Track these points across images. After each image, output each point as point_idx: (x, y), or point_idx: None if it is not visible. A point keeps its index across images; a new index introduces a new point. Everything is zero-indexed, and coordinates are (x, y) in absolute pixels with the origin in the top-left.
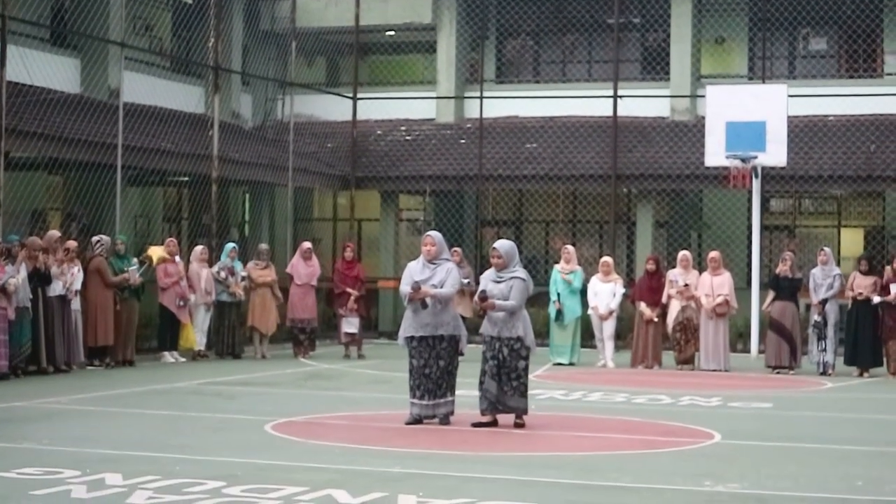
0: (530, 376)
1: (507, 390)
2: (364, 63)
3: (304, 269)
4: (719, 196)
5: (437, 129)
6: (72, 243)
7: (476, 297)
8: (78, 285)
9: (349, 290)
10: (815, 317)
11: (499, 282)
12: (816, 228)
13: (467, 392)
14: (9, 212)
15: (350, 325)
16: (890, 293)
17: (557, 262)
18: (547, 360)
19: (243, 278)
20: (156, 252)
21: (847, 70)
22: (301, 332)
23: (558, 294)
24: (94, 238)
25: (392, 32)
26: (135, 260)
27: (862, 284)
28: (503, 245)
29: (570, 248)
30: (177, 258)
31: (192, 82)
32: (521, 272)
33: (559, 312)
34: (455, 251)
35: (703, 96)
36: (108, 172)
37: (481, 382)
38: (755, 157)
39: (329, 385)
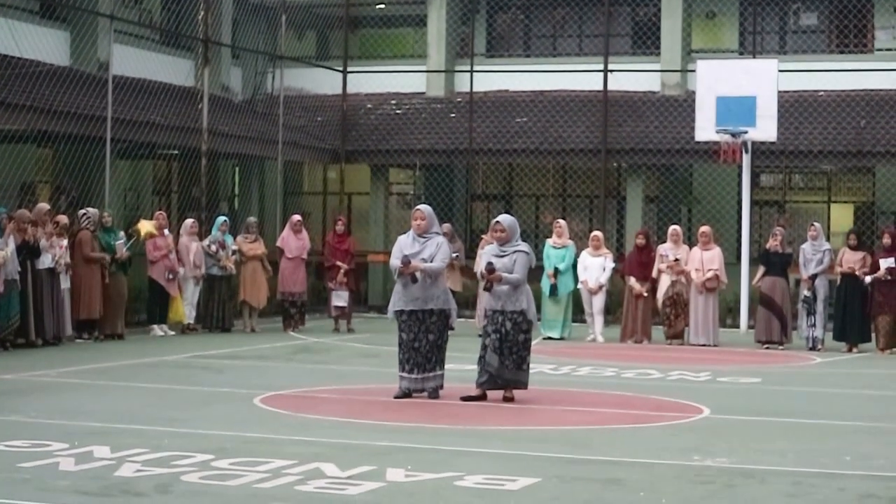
0: None
1: (507, 364)
2: (354, 36)
3: (295, 242)
4: (709, 171)
5: (427, 102)
6: (62, 218)
7: (483, 270)
8: (67, 259)
9: (339, 263)
10: (805, 292)
11: (502, 256)
12: (806, 204)
13: (457, 366)
14: None
15: (339, 298)
16: (879, 270)
17: (548, 237)
18: (537, 334)
19: (234, 252)
20: (144, 226)
21: (837, 45)
22: (291, 305)
23: (556, 269)
24: (81, 211)
25: (382, 5)
26: (122, 233)
27: (851, 259)
28: (506, 219)
29: (561, 222)
30: (166, 231)
31: (182, 55)
32: (523, 246)
33: (553, 287)
34: (445, 226)
35: (693, 71)
36: (98, 145)
37: (482, 357)
38: (745, 132)
39: (318, 359)
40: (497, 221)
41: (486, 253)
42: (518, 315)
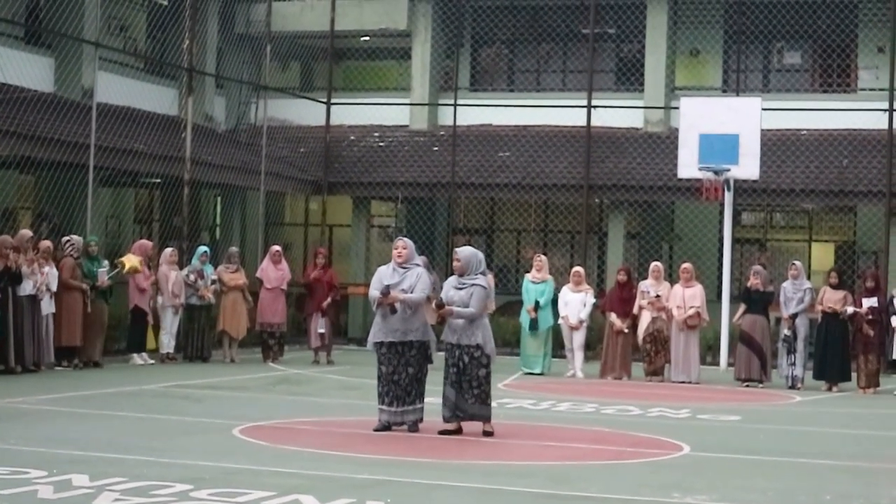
0: (500, 385)
1: (467, 398)
2: (338, 68)
3: (274, 272)
4: (691, 208)
5: (410, 135)
6: (46, 243)
7: (433, 305)
8: (53, 285)
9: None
10: (785, 331)
11: (460, 288)
12: (787, 242)
13: (436, 399)
14: None
15: (321, 325)
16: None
17: (528, 272)
18: (517, 369)
19: (213, 282)
20: (130, 260)
21: (821, 84)
22: (270, 336)
23: (537, 302)
24: (65, 238)
25: (367, 38)
26: (105, 262)
27: (832, 299)
28: (463, 251)
29: (542, 257)
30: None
31: (166, 84)
32: (480, 279)
33: (533, 321)
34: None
35: (676, 108)
36: (80, 172)
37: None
38: (728, 170)
39: (298, 390)
40: (455, 251)
41: (447, 285)
42: (475, 349)
